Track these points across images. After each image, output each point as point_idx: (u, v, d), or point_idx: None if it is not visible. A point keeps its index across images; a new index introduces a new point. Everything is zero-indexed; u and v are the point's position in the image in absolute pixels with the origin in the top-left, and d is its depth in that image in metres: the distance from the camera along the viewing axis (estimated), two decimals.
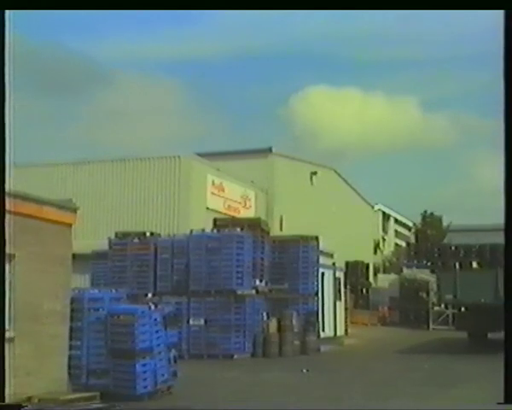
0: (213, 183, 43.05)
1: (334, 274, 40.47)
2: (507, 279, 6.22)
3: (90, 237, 26.98)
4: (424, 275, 47.08)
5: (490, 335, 34.98)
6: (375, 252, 66.09)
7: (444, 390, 21.58)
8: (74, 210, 19.30)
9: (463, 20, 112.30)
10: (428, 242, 59.97)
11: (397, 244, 73.91)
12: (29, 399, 15.22)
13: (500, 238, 40.18)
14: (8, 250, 17.05)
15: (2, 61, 5.95)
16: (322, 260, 36.70)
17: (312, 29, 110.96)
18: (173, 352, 20.68)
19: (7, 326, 17.03)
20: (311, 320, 33.93)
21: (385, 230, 75.22)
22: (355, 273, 49.44)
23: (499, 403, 6.09)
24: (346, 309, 42.58)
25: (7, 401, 14.41)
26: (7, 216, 16.89)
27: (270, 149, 48.05)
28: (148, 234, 33.74)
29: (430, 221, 72.95)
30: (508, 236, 6.63)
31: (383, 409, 7.91)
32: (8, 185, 15.42)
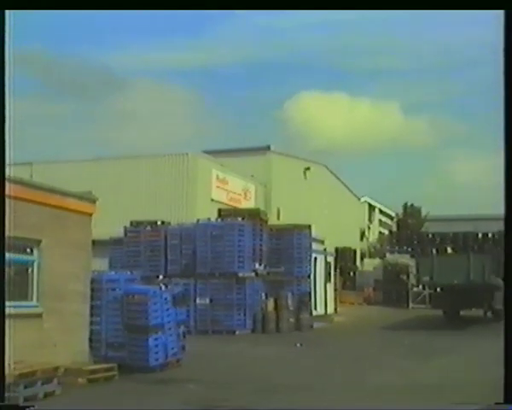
0: (217, 177, 43.08)
1: (325, 259, 40.58)
2: (507, 278, 6.01)
3: (108, 225, 26.95)
4: (405, 259, 47.16)
5: (462, 312, 35.09)
6: (362, 239, 66.07)
7: (421, 362, 21.65)
8: (94, 201, 19.36)
9: (442, 32, 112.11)
10: (409, 230, 59.96)
11: (381, 232, 73.92)
12: (56, 369, 15.23)
13: (471, 227, 40.27)
14: (35, 237, 17.22)
15: (3, 61, 5.89)
16: (314, 246, 36.74)
17: (305, 41, 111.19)
18: (182, 328, 20.70)
19: (36, 303, 17.18)
20: (305, 300, 33.96)
21: (370, 219, 75.24)
22: (344, 258, 49.48)
23: (498, 403, 5.95)
24: (335, 290, 42.67)
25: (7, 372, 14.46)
26: (35, 206, 17.03)
27: (268, 147, 48.06)
28: (159, 223, 33.82)
29: (410, 212, 72.91)
30: (508, 234, 6.34)
31: (382, 409, 7.94)
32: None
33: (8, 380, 14.09)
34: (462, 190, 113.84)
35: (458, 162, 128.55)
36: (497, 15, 6.32)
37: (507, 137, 5.98)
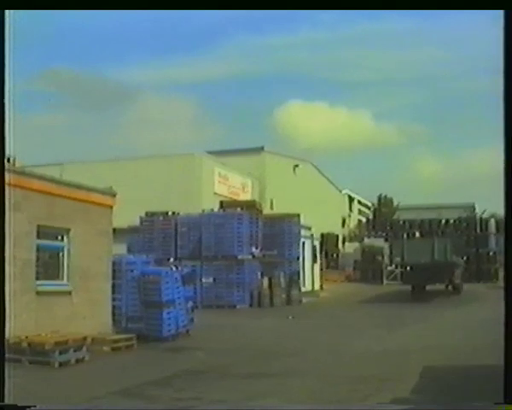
0: (219, 174, 43.13)
1: (312, 243, 40.60)
2: (507, 279, 5.87)
3: (126, 215, 26.99)
4: (380, 243, 47.13)
5: (428, 287, 35.20)
6: (343, 226, 65.95)
7: (394, 330, 21.74)
8: (114, 195, 19.42)
9: (407, 50, 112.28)
10: (383, 218, 59.95)
11: (359, 220, 73.76)
12: (85, 338, 15.32)
13: (435, 214, 40.37)
14: (65, 226, 17.34)
15: (3, 61, 5.84)
16: (302, 232, 36.77)
17: (291, 58, 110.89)
18: (190, 303, 20.78)
19: (66, 282, 17.30)
20: (295, 278, 33.98)
21: (350, 209, 75.06)
22: (328, 242, 49.45)
23: (498, 403, 5.82)
24: (321, 270, 42.67)
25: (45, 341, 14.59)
26: (65, 200, 17.14)
27: (262, 148, 48.03)
28: (170, 213, 33.88)
29: (384, 202, 72.85)
30: (508, 233, 6.12)
31: (382, 408, 8.04)
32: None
33: (46, 347, 14.31)
34: (426, 183, 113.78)
35: (422, 160, 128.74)
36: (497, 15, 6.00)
37: (507, 137, 5.85)
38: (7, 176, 12.23)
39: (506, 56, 5.90)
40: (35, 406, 5.93)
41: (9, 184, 12.80)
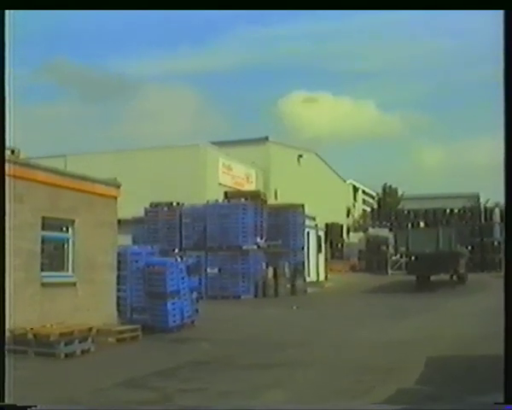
0: (224, 164, 43.16)
1: (317, 233, 40.61)
2: (507, 280, 5.81)
3: (131, 206, 27.01)
4: (384, 233, 47.16)
5: (432, 277, 35.20)
6: (348, 216, 65.99)
7: (399, 320, 21.71)
8: (118, 186, 19.42)
9: (413, 37, 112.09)
10: (387, 207, 60.01)
11: (364, 210, 73.83)
12: (90, 329, 15.33)
13: (440, 204, 40.43)
14: (70, 217, 17.34)
15: (3, 61, 5.83)
16: (307, 222, 36.78)
17: (296, 49, 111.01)
18: (195, 294, 20.77)
19: (71, 273, 17.31)
20: (299, 269, 34.01)
21: (355, 199, 75.18)
22: (332, 232, 49.38)
23: (498, 403, 5.78)
24: (325, 260, 42.67)
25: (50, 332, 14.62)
26: (69, 192, 17.13)
27: (266, 138, 48.05)
28: (174, 204, 33.92)
29: (388, 192, 72.90)
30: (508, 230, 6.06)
31: (382, 408, 8.01)
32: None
33: (51, 338, 14.33)
34: (430, 172, 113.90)
35: (426, 150, 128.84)
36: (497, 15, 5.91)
37: (507, 137, 5.80)
38: (12, 168, 12.27)
39: (506, 56, 5.85)
40: (35, 406, 5.90)
41: (14, 176, 12.84)
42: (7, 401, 5.98)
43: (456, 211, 47.67)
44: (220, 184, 41.00)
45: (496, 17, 5.90)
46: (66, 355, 14.34)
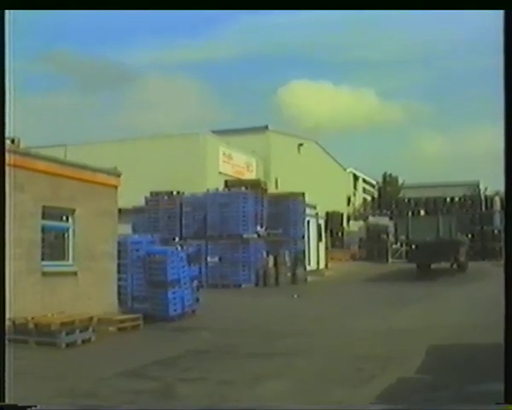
0: (224, 153, 43.13)
1: (317, 221, 40.60)
2: (507, 268, 5.75)
3: (131, 195, 27.01)
4: (385, 221, 47.09)
5: (433, 266, 35.23)
6: (348, 204, 65.92)
7: (399, 309, 21.75)
8: (118, 175, 19.40)
9: (413, 26, 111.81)
10: (388, 196, 59.99)
11: (364, 198, 73.76)
12: (91, 318, 15.33)
13: (440, 192, 40.48)
14: (70, 206, 17.35)
15: (3, 61, 5.81)
16: (307, 210, 36.76)
17: (295, 38, 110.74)
18: (195, 283, 20.76)
19: (71, 263, 17.32)
20: (300, 257, 34.04)
21: (355, 187, 75.05)
22: (333, 221, 49.36)
23: (498, 403, 5.76)
24: (326, 248, 42.67)
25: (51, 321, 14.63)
26: (69, 181, 17.13)
27: (266, 127, 47.96)
28: (175, 193, 33.96)
29: (389, 180, 72.90)
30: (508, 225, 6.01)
31: (382, 408, 8.01)
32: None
33: (52, 328, 14.34)
34: (430, 161, 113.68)
35: (426, 138, 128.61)
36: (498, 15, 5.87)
37: (507, 126, 5.77)
38: (12, 157, 12.26)
39: (506, 56, 5.83)
40: (35, 406, 5.92)
41: (14, 165, 12.83)
42: (7, 392, 5.97)
43: (456, 199, 47.66)
44: (220, 172, 40.98)
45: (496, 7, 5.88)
46: (67, 345, 14.35)
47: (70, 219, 17.56)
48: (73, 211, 17.48)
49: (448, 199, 47.51)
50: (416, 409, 8.49)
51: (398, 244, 40.77)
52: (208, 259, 31.53)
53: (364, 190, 77.99)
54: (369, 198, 68.29)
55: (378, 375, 11.23)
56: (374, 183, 76.79)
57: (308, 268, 35.91)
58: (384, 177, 73.96)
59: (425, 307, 22.36)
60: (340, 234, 52.24)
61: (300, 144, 51.89)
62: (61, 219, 17.49)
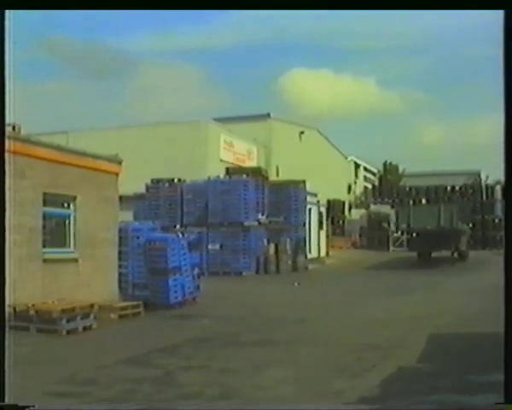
0: (225, 141, 43.02)
1: (318, 209, 40.59)
2: (507, 280, 5.74)
3: (132, 183, 26.98)
4: (386, 209, 47.09)
5: (433, 254, 35.25)
6: (349, 192, 65.77)
7: (400, 297, 21.77)
8: (119, 163, 19.36)
9: (411, 18, 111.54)
10: (389, 184, 59.91)
11: (365, 186, 73.61)
12: (92, 305, 15.33)
13: (441, 181, 40.52)
14: (71, 193, 17.33)
15: (3, 61, 5.80)
16: (308, 198, 36.74)
17: (296, 26, 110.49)
18: (196, 270, 20.73)
19: (73, 250, 17.32)
20: (301, 245, 34.05)
21: (356, 175, 74.85)
22: (334, 209, 49.38)
23: (498, 403, 5.77)
24: (327, 236, 42.66)
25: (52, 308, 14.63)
26: (71, 168, 17.10)
27: (268, 115, 47.81)
28: (175, 180, 33.93)
29: (390, 169, 72.69)
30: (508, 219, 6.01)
31: (382, 409, 8.00)
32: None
33: (53, 315, 14.35)
34: (431, 149, 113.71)
35: (427, 127, 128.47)
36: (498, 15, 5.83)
37: (507, 126, 5.75)
38: (12, 144, 12.23)
39: (506, 56, 5.79)
40: (34, 406, 5.93)
41: (15, 152, 12.79)
42: (7, 382, 5.97)
43: (457, 188, 47.67)
44: (222, 160, 40.89)
45: None
46: (68, 332, 14.37)
47: (71, 205, 17.55)
48: (74, 198, 17.46)
49: (449, 188, 47.54)
50: (414, 409, 8.48)
51: (399, 233, 40.83)
52: (209, 246, 31.53)
53: (365, 179, 77.85)
54: (370, 186, 68.15)
55: (379, 363, 11.24)
56: (375, 171, 76.66)
57: (309, 256, 35.92)
58: (385, 165, 73.78)
59: (426, 295, 22.38)
60: (341, 222, 52.20)
61: (302, 132, 51.78)
62: (62, 205, 17.48)
